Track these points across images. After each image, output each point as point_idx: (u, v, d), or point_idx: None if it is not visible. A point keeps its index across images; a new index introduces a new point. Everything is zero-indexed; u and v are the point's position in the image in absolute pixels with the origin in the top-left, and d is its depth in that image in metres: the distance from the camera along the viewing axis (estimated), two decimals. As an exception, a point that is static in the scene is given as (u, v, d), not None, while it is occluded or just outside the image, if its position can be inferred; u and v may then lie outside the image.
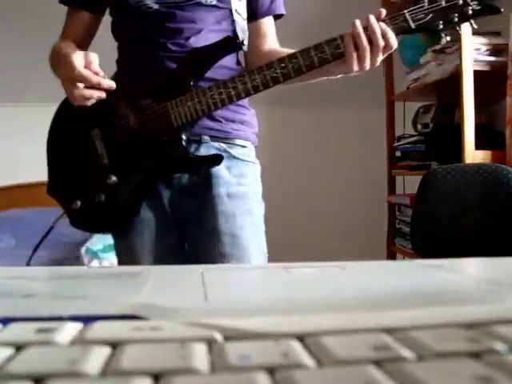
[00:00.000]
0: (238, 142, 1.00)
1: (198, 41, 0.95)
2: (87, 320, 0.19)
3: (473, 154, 1.69)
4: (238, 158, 0.99)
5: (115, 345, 0.16)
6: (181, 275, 0.33)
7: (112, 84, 0.88)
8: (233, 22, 0.99)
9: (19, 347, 0.16)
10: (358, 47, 0.86)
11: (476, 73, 1.70)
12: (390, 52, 0.88)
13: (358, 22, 0.86)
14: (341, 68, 0.90)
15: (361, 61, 0.87)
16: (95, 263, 1.78)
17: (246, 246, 0.95)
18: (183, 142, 0.93)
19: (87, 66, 0.85)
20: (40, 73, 2.44)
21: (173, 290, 0.28)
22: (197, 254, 0.98)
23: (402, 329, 0.18)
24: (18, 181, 2.53)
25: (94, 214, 0.97)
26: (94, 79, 0.85)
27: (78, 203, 0.95)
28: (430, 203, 1.44)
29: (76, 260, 1.83)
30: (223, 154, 0.96)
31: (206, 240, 0.95)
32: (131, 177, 0.94)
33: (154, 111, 0.92)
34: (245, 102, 1.00)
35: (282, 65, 0.88)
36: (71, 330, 0.18)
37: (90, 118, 0.94)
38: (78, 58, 0.84)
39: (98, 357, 0.15)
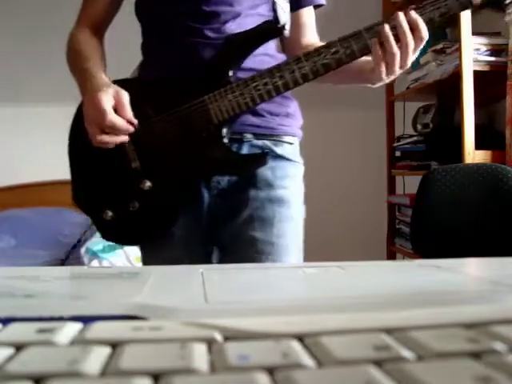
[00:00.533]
0: (284, 138, 0.91)
1: (236, 26, 0.85)
2: (87, 320, 0.19)
3: (473, 154, 1.69)
4: (283, 158, 0.90)
5: (115, 345, 0.16)
6: (181, 275, 0.33)
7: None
8: (273, 5, 0.89)
9: (19, 347, 0.16)
10: (385, 51, 0.78)
11: (476, 73, 1.70)
12: (421, 46, 0.80)
13: (386, 27, 0.79)
14: (371, 76, 0.83)
15: (389, 68, 0.79)
16: (95, 263, 1.79)
17: (284, 255, 0.87)
18: (225, 140, 0.83)
19: (119, 110, 0.78)
20: (39, 73, 2.45)
21: (173, 290, 0.28)
22: (229, 259, 0.89)
23: (402, 329, 0.18)
24: (18, 181, 2.54)
25: (129, 223, 0.86)
26: (124, 129, 0.78)
27: (109, 213, 0.85)
28: (430, 203, 1.44)
29: (76, 260, 1.83)
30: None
31: (242, 247, 0.87)
32: (167, 180, 0.84)
33: (190, 106, 0.82)
34: (288, 92, 0.88)
35: (333, 50, 0.79)
36: (71, 330, 0.18)
37: None
38: (107, 100, 0.76)
39: (98, 357, 0.15)
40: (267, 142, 0.88)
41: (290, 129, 0.92)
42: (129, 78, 0.92)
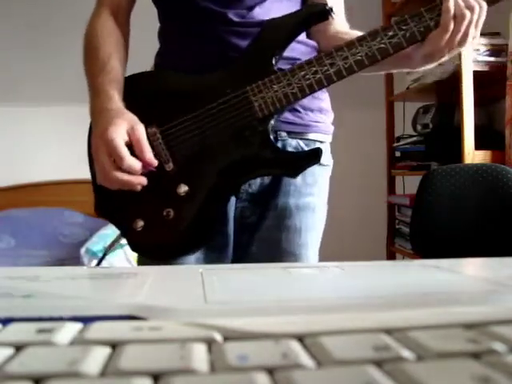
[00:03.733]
0: (316, 136, 0.84)
1: (263, 12, 0.78)
2: (87, 320, 0.19)
3: (472, 154, 1.69)
4: None
5: (115, 345, 0.16)
6: (180, 275, 0.33)
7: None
8: None
9: (19, 347, 0.16)
10: (456, 14, 0.69)
11: (476, 73, 1.70)
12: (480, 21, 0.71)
13: None
14: (423, 49, 0.74)
15: (454, 34, 0.70)
16: (95, 263, 1.78)
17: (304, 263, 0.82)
18: (271, 136, 0.74)
19: (136, 151, 0.69)
20: (39, 73, 2.44)
21: (172, 290, 0.28)
22: (250, 260, 0.83)
23: (402, 329, 0.18)
24: (18, 181, 2.54)
25: (162, 234, 0.76)
26: (140, 171, 0.70)
27: (140, 223, 0.75)
28: (430, 203, 1.44)
29: (76, 260, 1.83)
30: None
31: (265, 255, 0.82)
32: (207, 184, 0.75)
33: (229, 100, 0.73)
34: None
35: (390, 33, 0.71)
36: (71, 330, 0.18)
37: (145, 114, 0.73)
38: (120, 138, 0.68)
39: (98, 357, 0.15)
40: (300, 142, 0.83)
41: (323, 126, 0.86)
42: (149, 71, 0.85)
